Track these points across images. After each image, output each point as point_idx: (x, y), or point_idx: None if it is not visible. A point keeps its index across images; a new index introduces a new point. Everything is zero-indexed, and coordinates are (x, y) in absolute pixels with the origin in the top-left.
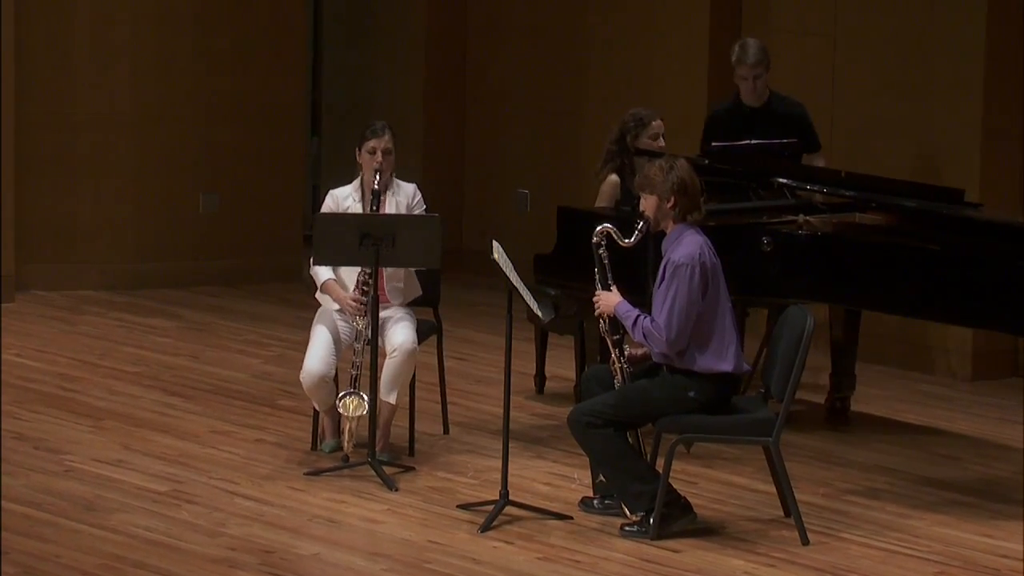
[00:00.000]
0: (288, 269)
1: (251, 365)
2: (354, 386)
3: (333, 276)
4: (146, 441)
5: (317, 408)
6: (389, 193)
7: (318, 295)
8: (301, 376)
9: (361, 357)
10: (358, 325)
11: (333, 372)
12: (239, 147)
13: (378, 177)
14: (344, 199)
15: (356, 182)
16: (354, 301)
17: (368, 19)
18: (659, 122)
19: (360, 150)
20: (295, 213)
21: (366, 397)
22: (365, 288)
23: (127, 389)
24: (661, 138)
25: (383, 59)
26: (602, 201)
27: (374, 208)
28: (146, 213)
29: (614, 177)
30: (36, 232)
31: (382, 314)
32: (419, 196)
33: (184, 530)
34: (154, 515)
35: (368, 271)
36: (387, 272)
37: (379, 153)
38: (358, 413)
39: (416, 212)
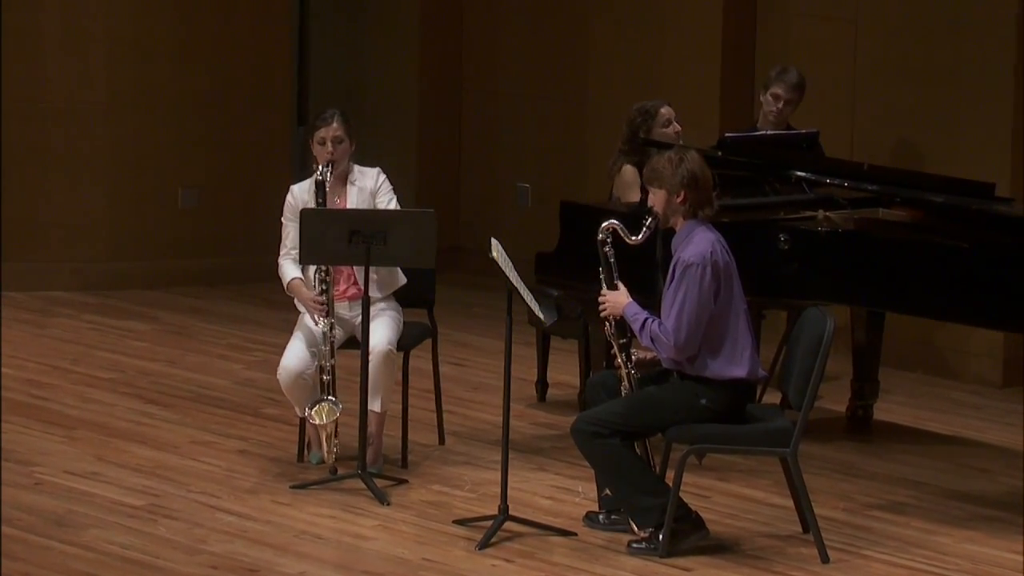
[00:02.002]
0: (273, 268)
1: (233, 371)
2: (328, 392)
3: (299, 275)
4: (121, 452)
5: (298, 413)
6: (350, 183)
7: (296, 302)
8: (278, 373)
9: (330, 361)
10: (323, 327)
11: (312, 370)
12: (221, 138)
13: (331, 168)
14: (303, 193)
15: (315, 176)
16: (314, 302)
17: (358, 1)
18: (667, 108)
19: (312, 141)
20: (281, 208)
21: (334, 398)
22: (324, 287)
23: (101, 396)
24: (674, 123)
25: (374, 44)
26: (627, 192)
27: (320, 202)
28: (121, 209)
29: (630, 167)
30: (4, 229)
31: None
32: (383, 178)
33: (162, 547)
34: (130, 531)
35: (324, 268)
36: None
37: (329, 143)
38: (331, 418)
39: (382, 196)
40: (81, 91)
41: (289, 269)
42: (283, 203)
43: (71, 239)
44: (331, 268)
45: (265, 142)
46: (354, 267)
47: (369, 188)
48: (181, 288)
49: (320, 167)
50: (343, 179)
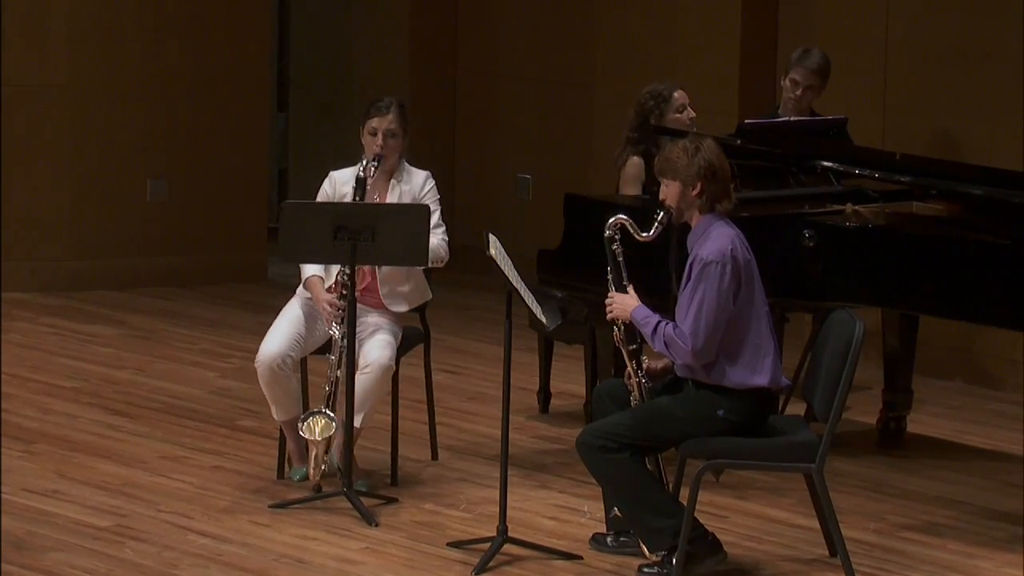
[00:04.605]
0: (250, 267)
1: (207, 379)
2: (328, 404)
3: (320, 272)
4: (85, 468)
5: (276, 416)
6: (395, 181)
7: (299, 289)
8: (256, 361)
9: (335, 372)
10: (334, 334)
11: (295, 359)
12: (193, 125)
13: (376, 163)
14: (344, 184)
15: (359, 165)
16: (330, 306)
17: None
18: (680, 92)
19: (363, 129)
20: (259, 201)
21: (332, 414)
22: (344, 291)
23: (63, 407)
24: (688, 108)
25: (361, 23)
26: (627, 186)
27: (357, 198)
28: (84, 202)
29: (637, 159)
30: None
31: (367, 320)
32: (431, 185)
33: (129, 571)
34: (94, 554)
35: (347, 271)
36: (383, 272)
37: (381, 135)
38: (326, 435)
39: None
40: (40, 72)
41: (310, 264)
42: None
43: (29, 235)
44: (355, 271)
45: (241, 130)
46: (375, 271)
47: (413, 192)
48: (150, 289)
49: (365, 160)
50: (388, 176)
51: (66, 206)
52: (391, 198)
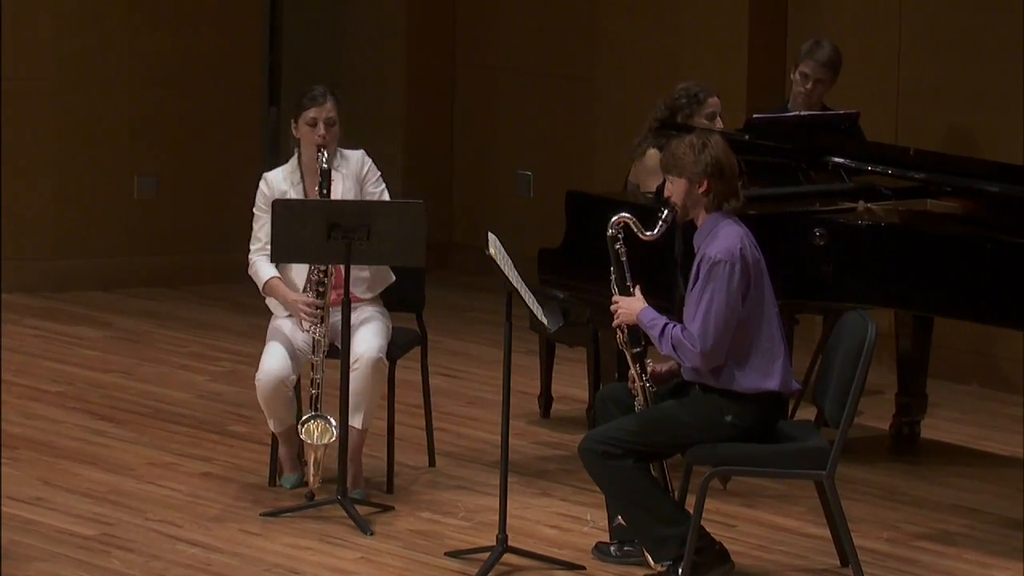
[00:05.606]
0: (241, 267)
1: (196, 383)
2: (315, 408)
3: (277, 274)
4: (70, 475)
5: (272, 428)
6: (333, 169)
7: (267, 300)
8: (257, 378)
9: (320, 372)
10: (314, 334)
11: (294, 379)
12: (182, 120)
13: (324, 154)
14: (279, 184)
15: (292, 162)
16: (308, 306)
17: None
18: (715, 100)
19: (297, 122)
20: (249, 199)
21: (334, 421)
22: (320, 289)
23: (47, 412)
24: (719, 118)
25: (356, 13)
26: (651, 179)
27: (324, 193)
28: (70, 199)
29: (655, 151)
30: None
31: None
32: (369, 163)
33: None
34: (79, 564)
35: (322, 268)
36: None
37: (321, 125)
38: (325, 440)
39: (372, 186)
40: (25, 66)
41: (264, 268)
42: (255, 192)
43: (12, 233)
44: (330, 269)
45: (232, 124)
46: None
47: (354, 174)
48: (137, 289)
49: (321, 155)
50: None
51: (50, 203)
52: (335, 187)
